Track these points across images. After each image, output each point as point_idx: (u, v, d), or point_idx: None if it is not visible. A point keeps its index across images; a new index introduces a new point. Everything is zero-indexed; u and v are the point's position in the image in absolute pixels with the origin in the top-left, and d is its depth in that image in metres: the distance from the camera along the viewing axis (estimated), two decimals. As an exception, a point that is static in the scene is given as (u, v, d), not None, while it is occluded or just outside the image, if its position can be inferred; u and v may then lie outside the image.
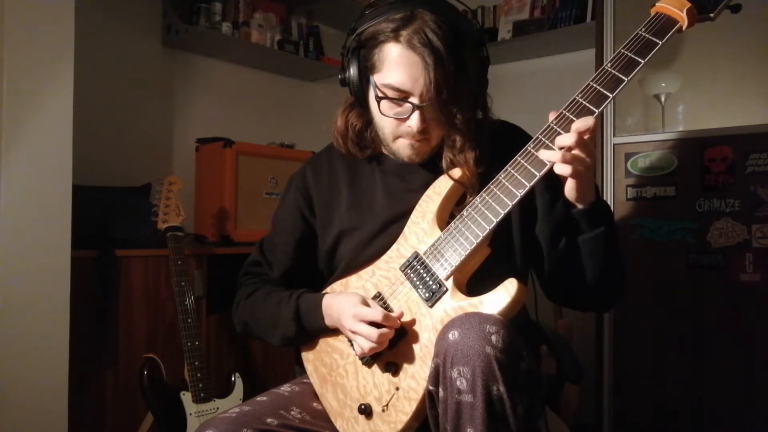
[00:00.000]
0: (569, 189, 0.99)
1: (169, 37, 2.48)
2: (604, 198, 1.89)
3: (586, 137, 0.93)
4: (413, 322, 1.00)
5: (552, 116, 0.99)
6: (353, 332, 1.01)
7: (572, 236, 1.04)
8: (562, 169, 0.94)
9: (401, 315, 1.01)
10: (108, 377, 1.87)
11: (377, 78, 1.05)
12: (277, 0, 2.84)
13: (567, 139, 0.93)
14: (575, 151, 0.93)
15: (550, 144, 0.96)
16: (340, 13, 2.98)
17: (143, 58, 2.46)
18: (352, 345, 1.07)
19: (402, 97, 1.04)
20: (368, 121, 1.16)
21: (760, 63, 1.94)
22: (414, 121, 1.04)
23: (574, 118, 0.96)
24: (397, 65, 1.02)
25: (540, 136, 0.98)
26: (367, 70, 1.08)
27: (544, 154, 0.95)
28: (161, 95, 2.53)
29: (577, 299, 1.13)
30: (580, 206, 1.01)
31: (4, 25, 1.54)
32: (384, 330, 0.98)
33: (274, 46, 2.75)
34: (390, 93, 1.04)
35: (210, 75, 2.71)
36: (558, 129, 0.97)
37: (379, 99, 1.05)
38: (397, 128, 1.08)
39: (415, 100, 1.03)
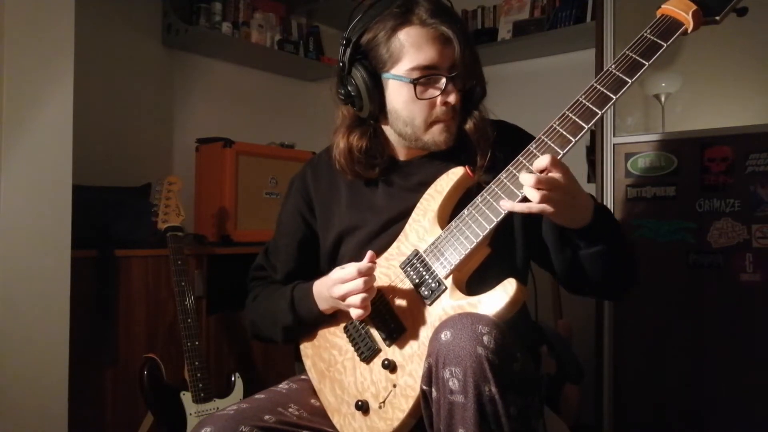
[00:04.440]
0: (552, 220, 0.97)
1: (169, 37, 2.49)
2: (605, 198, 1.90)
3: (551, 174, 0.91)
4: (412, 319, 1.00)
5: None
6: (340, 296, 1.02)
7: (574, 247, 1.03)
8: (534, 208, 0.92)
9: (372, 257, 1.02)
10: (108, 377, 1.87)
11: (400, 68, 1.06)
12: (277, 0, 2.84)
13: (527, 179, 0.90)
14: (541, 191, 0.90)
15: (552, 144, 0.95)
16: (340, 13, 2.97)
17: (143, 58, 2.46)
18: (350, 342, 1.08)
19: (433, 74, 1.05)
20: (374, 136, 1.15)
21: (760, 63, 1.94)
22: (452, 96, 1.06)
23: (577, 119, 0.95)
24: (420, 46, 1.05)
25: (543, 137, 0.97)
26: (380, 69, 1.08)
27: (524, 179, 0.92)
28: (161, 95, 2.53)
29: (589, 293, 1.15)
30: (574, 228, 0.98)
31: (4, 25, 1.54)
32: (363, 279, 0.99)
33: (274, 46, 2.75)
34: (419, 75, 1.05)
35: (210, 75, 2.71)
36: (561, 130, 0.96)
37: (415, 82, 1.05)
38: (431, 112, 1.08)
39: (445, 73, 1.05)
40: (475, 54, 1.10)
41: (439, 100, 1.06)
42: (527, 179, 0.90)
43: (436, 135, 1.09)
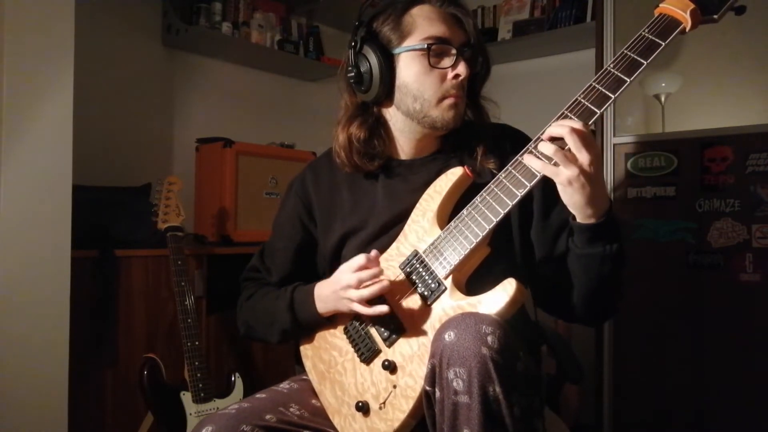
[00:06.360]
0: (562, 197, 0.95)
1: (169, 37, 2.49)
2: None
3: (580, 133, 0.90)
4: (412, 320, 1.00)
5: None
6: (350, 284, 1.01)
7: (564, 249, 1.03)
8: (538, 166, 0.92)
9: (377, 256, 1.04)
10: (108, 377, 1.87)
11: (412, 39, 1.08)
12: (277, 0, 2.84)
13: (557, 129, 0.91)
14: (563, 153, 0.90)
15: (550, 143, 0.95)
16: (340, 13, 2.98)
17: (143, 58, 2.46)
18: (350, 343, 1.07)
19: (445, 45, 1.07)
20: (373, 128, 1.15)
21: (760, 63, 1.94)
22: (462, 68, 1.07)
23: (574, 119, 0.95)
24: (432, 20, 1.08)
25: (541, 137, 0.97)
26: (391, 46, 1.09)
27: (527, 159, 0.94)
28: (161, 95, 2.53)
29: (563, 312, 1.10)
30: (579, 221, 0.97)
31: (4, 26, 1.54)
32: (369, 271, 1.00)
33: (274, 46, 2.75)
34: (432, 43, 1.07)
35: (210, 75, 2.71)
36: None
37: (429, 47, 1.06)
38: (442, 86, 1.08)
39: (456, 46, 1.08)
40: (483, 41, 1.13)
41: (449, 73, 1.07)
42: (558, 129, 0.91)
43: (445, 111, 1.09)
